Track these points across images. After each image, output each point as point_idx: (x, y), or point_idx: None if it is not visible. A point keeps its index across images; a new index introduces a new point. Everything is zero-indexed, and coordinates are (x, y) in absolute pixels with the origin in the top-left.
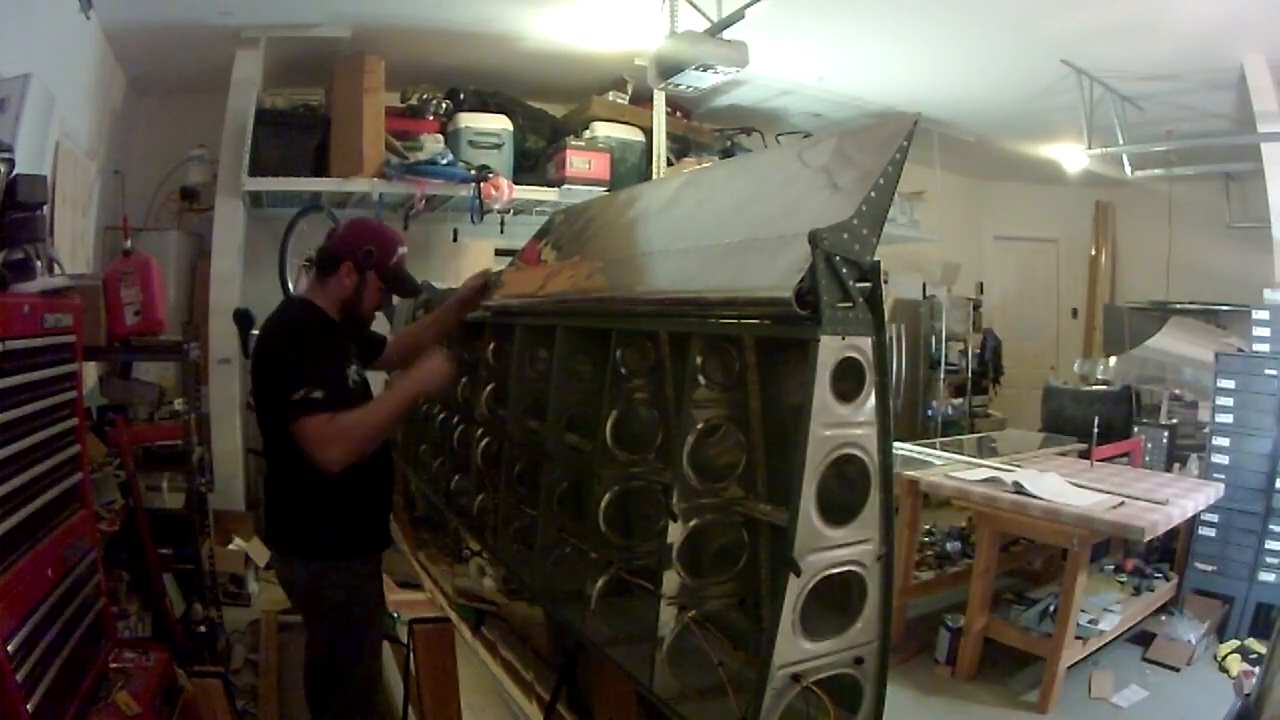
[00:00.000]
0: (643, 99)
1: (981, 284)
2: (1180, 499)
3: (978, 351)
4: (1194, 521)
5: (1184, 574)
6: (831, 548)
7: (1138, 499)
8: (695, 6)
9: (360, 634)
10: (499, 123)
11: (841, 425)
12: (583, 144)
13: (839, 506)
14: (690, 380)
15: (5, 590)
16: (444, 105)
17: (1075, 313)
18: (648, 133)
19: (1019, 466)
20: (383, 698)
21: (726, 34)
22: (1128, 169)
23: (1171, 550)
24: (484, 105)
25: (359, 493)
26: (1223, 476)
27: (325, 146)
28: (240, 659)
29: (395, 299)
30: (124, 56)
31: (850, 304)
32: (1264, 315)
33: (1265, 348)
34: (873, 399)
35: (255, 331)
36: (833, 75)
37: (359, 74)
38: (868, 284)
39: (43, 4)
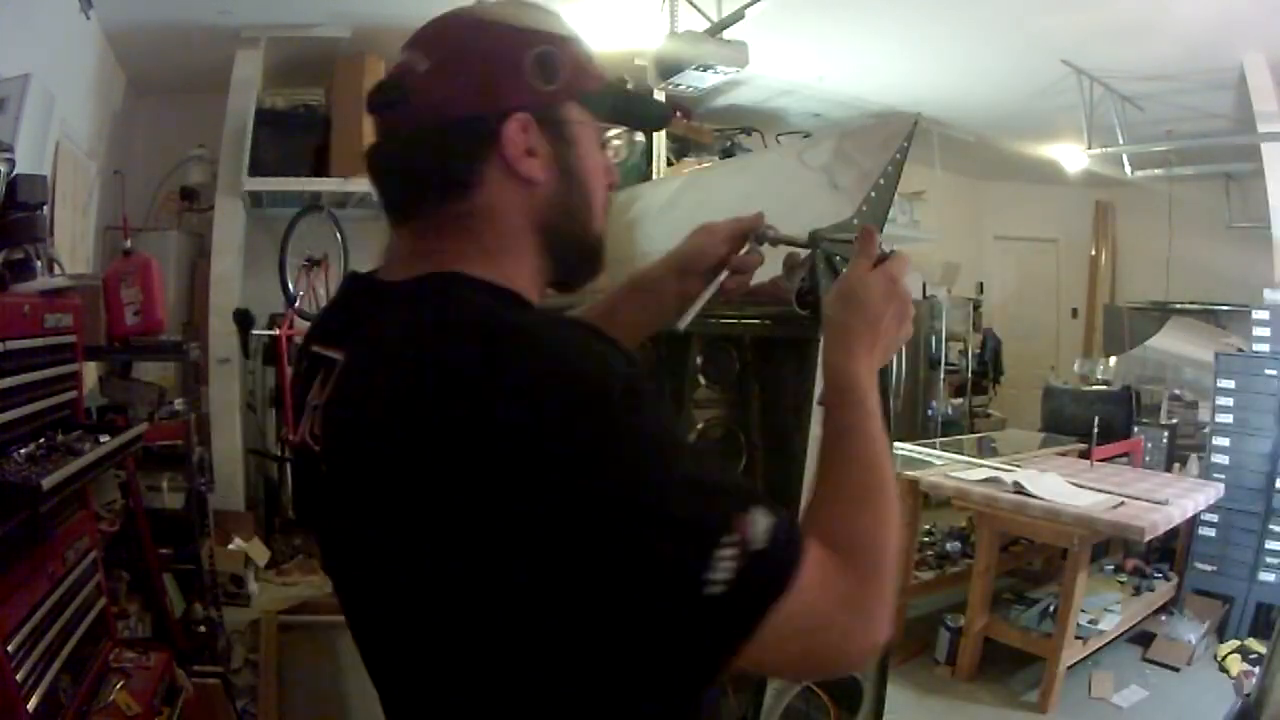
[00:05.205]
0: None
1: (981, 284)
2: (1180, 499)
3: (978, 351)
4: (1194, 521)
5: (1184, 574)
6: None
7: (1138, 499)
8: (695, 6)
9: None
10: None
11: None
12: None
13: None
14: (690, 380)
15: (5, 590)
16: None
17: (1075, 313)
18: (648, 133)
19: (1019, 466)
20: None
21: (726, 34)
22: (1128, 169)
23: (1171, 550)
24: None
25: None
26: (1223, 476)
27: (325, 146)
28: (240, 659)
29: None
30: (124, 57)
31: None
32: (1264, 315)
33: (1265, 348)
34: None
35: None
36: (833, 75)
37: (359, 74)
38: None
39: (43, 4)
